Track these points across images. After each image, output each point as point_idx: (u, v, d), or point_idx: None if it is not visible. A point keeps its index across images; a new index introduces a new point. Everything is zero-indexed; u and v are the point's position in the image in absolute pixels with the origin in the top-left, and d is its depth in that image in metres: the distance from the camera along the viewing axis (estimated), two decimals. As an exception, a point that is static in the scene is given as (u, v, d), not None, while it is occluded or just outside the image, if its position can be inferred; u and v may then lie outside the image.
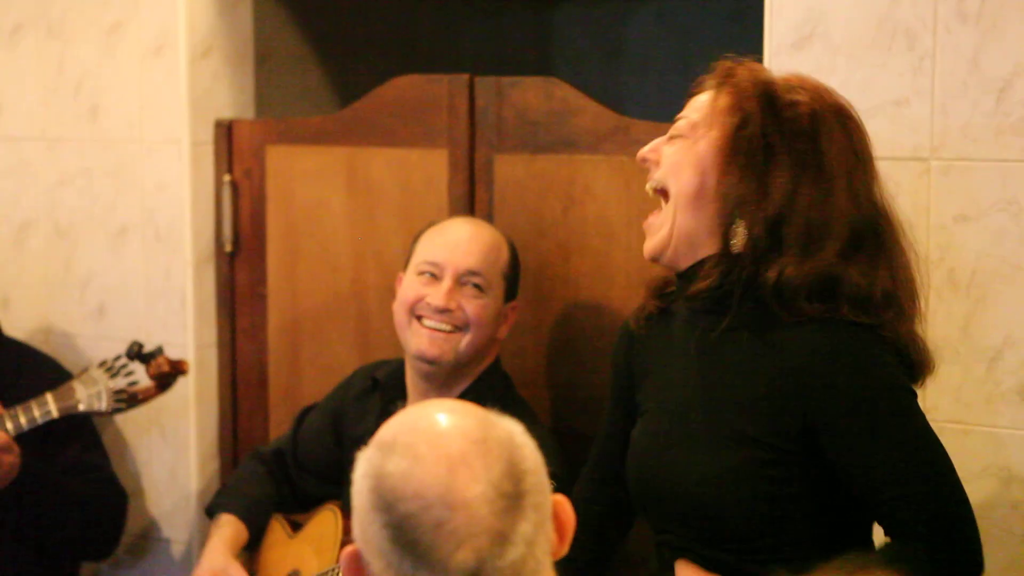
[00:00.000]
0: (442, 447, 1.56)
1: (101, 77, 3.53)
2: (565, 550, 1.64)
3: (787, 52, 2.71)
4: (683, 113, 2.31)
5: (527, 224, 3.08)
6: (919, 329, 2.29)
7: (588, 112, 3.01)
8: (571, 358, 3.04)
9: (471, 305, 2.82)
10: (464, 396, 2.81)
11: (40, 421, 3.12)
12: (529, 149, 3.08)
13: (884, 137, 2.65)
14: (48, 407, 3.13)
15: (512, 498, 1.56)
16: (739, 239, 2.22)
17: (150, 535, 3.59)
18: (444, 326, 2.81)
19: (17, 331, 3.57)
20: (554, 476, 2.15)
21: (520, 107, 3.08)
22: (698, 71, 2.38)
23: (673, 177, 2.26)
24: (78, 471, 3.28)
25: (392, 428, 1.61)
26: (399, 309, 2.87)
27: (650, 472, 2.33)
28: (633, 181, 2.91)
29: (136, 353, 3.18)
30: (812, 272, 2.19)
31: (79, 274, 3.62)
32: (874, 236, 2.24)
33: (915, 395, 2.24)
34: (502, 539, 1.54)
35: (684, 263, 2.28)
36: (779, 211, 2.20)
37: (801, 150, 2.22)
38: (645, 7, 4.48)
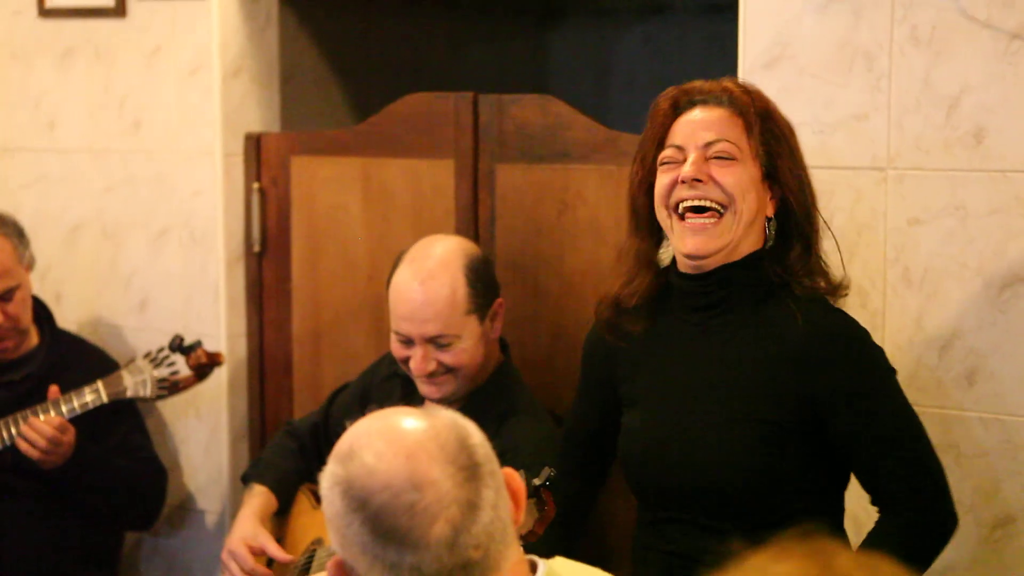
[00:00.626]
0: (397, 441, 1.56)
1: (143, 95, 3.54)
2: (521, 517, 1.64)
3: (759, 72, 2.72)
4: (713, 134, 2.28)
5: (526, 226, 3.09)
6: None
7: (580, 126, 3.02)
8: (565, 348, 3.04)
9: (447, 356, 2.71)
10: (475, 396, 2.77)
11: (91, 406, 3.12)
12: (527, 159, 3.08)
13: (845, 149, 2.66)
14: (99, 393, 3.14)
15: (470, 469, 1.55)
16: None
17: (187, 506, 3.59)
18: (435, 376, 2.75)
19: (69, 324, 3.58)
20: (556, 466, 2.17)
21: (519, 121, 3.09)
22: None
23: (741, 199, 2.27)
24: (124, 451, 3.28)
25: (346, 440, 1.60)
26: (396, 361, 2.81)
27: (657, 454, 2.32)
28: (621, 188, 2.90)
29: (177, 346, 3.19)
30: (807, 259, 2.29)
31: (124, 272, 3.62)
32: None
33: (895, 372, 2.30)
34: (471, 506, 1.54)
35: (716, 265, 2.30)
36: (813, 225, 2.31)
37: (805, 172, 2.34)
38: (632, 31, 4.48)
